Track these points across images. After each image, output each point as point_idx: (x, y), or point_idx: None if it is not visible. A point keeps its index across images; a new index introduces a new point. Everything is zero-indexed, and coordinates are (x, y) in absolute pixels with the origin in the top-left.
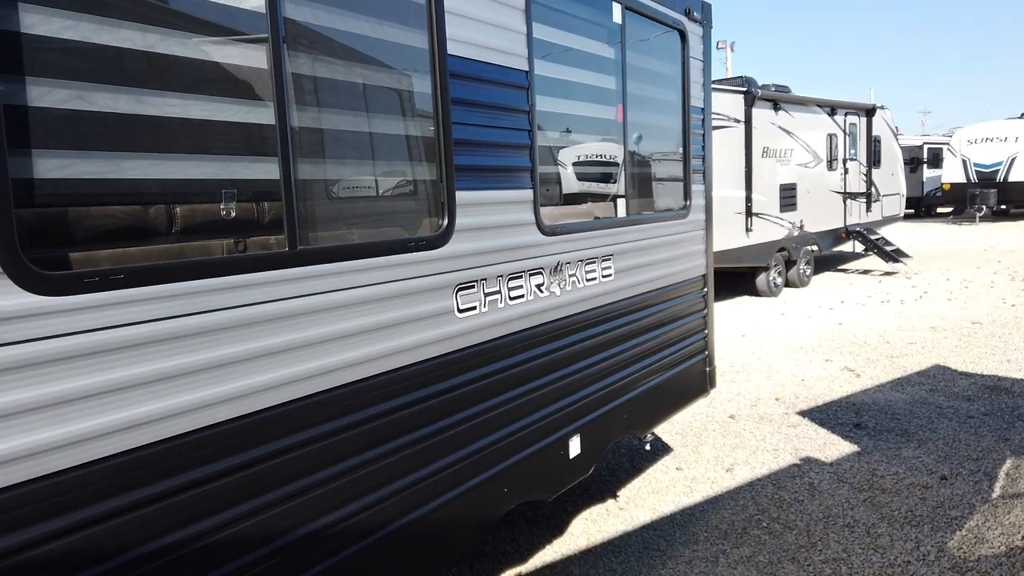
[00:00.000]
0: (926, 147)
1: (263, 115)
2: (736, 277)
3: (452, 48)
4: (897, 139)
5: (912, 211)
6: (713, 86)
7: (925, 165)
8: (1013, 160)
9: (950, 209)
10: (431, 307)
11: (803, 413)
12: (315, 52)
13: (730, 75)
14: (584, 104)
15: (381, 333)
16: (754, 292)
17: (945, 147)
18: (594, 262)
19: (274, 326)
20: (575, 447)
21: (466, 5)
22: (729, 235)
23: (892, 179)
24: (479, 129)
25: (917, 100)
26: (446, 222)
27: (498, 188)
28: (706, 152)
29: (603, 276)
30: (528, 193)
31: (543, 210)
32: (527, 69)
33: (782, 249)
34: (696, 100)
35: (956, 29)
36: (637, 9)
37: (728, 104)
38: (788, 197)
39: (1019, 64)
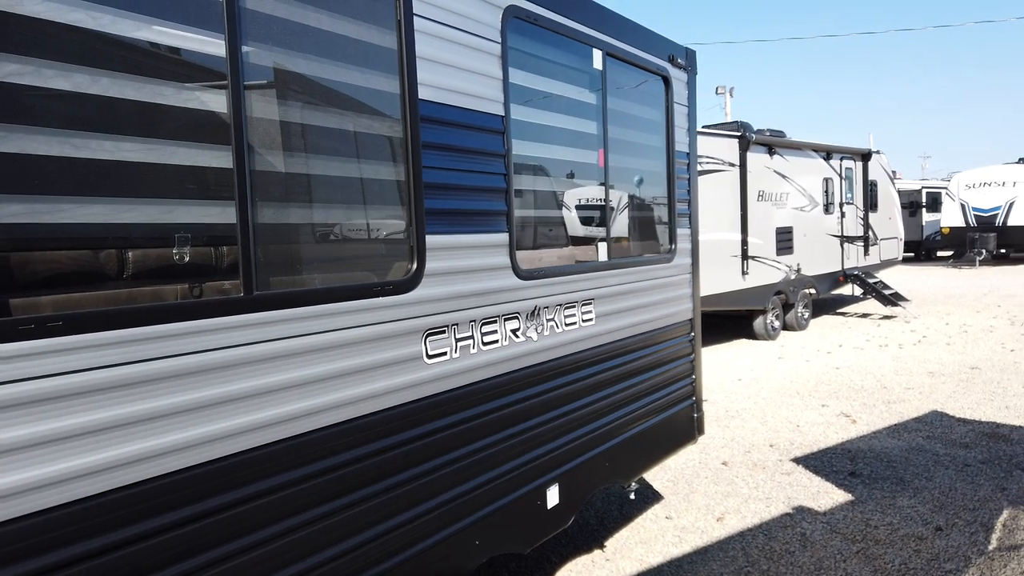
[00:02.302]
0: (924, 191)
1: (220, 159)
2: (733, 320)
3: (423, 93)
4: (894, 183)
5: (912, 255)
6: (708, 130)
7: (924, 209)
8: (1012, 204)
9: (950, 253)
10: (398, 353)
11: (797, 460)
12: (278, 95)
13: (729, 120)
14: (563, 148)
15: (344, 380)
16: (752, 335)
17: (944, 191)
18: (574, 306)
19: (229, 373)
20: (553, 497)
21: (438, 51)
22: (725, 278)
23: (889, 223)
24: (451, 173)
25: (917, 145)
26: (415, 266)
27: (471, 232)
28: (691, 196)
29: (583, 321)
30: (503, 237)
31: (520, 254)
32: (503, 114)
33: (779, 292)
34: (681, 145)
35: (956, 75)
36: (619, 56)
37: (723, 148)
38: (784, 240)
39: (1018, 109)
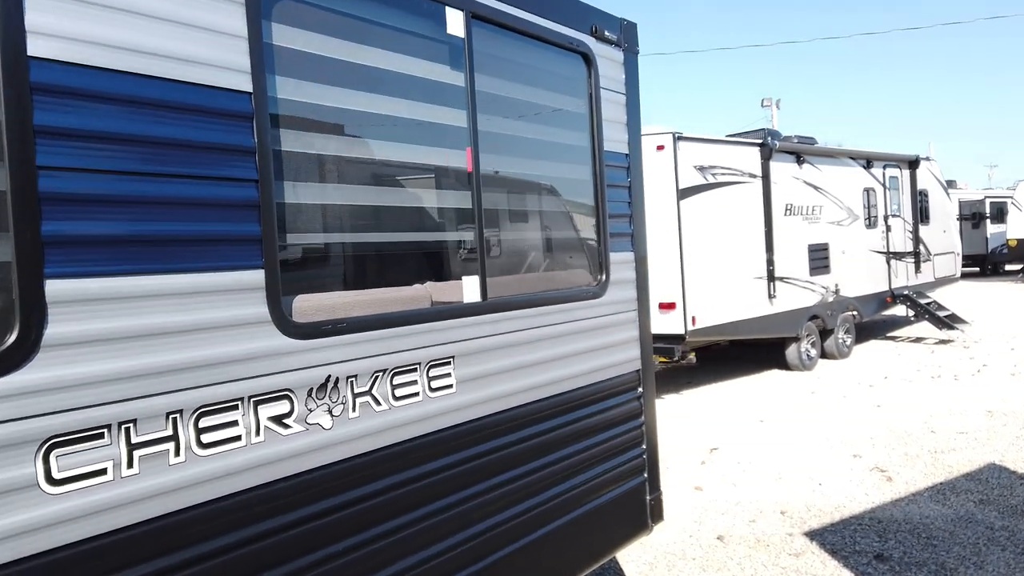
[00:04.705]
0: (988, 201)
1: None
2: (764, 349)
3: (38, 47)
4: (948, 193)
5: (976, 270)
6: (727, 139)
7: (988, 220)
8: None
9: (1019, 267)
10: None
11: (811, 534)
12: None
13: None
14: (397, 146)
15: None
16: (785, 365)
17: (1009, 200)
18: (413, 371)
19: None
20: None
21: None
22: (748, 303)
23: (944, 236)
24: (117, 178)
25: (983, 154)
26: (15, 336)
27: (168, 271)
28: (634, 211)
29: (432, 390)
30: (252, 275)
31: (308, 299)
32: (250, 91)
33: (815, 317)
34: (613, 144)
35: (1017, 75)
36: (493, 19)
37: (742, 158)
38: (819, 259)
39: None
